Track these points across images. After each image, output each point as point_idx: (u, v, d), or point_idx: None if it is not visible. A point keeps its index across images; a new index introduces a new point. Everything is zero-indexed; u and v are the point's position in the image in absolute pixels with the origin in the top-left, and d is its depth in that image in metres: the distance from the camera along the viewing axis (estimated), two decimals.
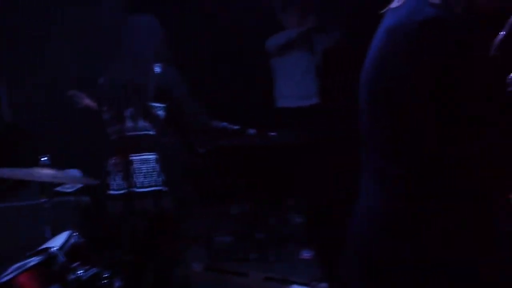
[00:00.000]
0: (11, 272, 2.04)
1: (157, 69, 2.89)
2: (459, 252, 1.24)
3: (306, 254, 4.25)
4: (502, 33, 1.25)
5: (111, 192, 2.89)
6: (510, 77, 1.20)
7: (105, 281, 2.16)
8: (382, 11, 1.39)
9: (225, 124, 4.10)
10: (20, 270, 2.02)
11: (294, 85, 4.59)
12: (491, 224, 1.26)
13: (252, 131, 4.30)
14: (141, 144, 2.85)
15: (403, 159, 1.28)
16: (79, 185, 3.94)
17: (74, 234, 2.33)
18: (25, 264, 2.06)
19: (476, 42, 1.19)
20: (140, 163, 2.84)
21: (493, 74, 1.20)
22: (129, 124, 2.87)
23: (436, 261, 1.25)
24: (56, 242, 2.23)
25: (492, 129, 1.20)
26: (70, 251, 2.18)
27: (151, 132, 2.87)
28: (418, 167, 1.25)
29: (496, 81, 1.19)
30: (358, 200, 1.42)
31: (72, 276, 2.08)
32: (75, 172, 3.89)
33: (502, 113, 1.20)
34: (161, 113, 2.88)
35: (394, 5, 1.34)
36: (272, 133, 4.38)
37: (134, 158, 2.84)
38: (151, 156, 2.85)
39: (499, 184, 1.26)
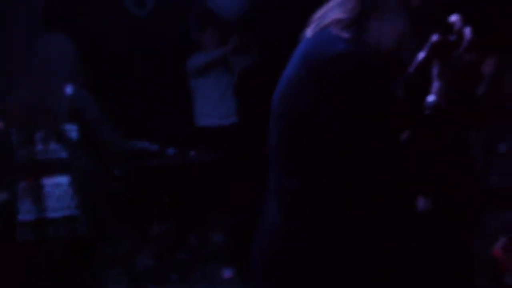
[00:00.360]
0: None
1: (69, 90, 2.82)
2: (350, 262, 1.35)
3: (227, 273, 4.26)
4: (421, 55, 1.39)
5: (21, 217, 2.77)
6: (428, 100, 1.33)
7: None
8: (299, 39, 1.49)
9: (143, 144, 4.07)
10: None
11: (214, 104, 4.66)
12: (382, 233, 1.40)
13: (171, 151, 4.30)
14: (53, 167, 2.76)
15: (304, 177, 1.37)
16: None
17: None
18: None
19: (382, 76, 1.30)
20: (52, 187, 2.75)
21: (392, 105, 1.33)
22: (39, 147, 2.78)
23: (330, 275, 1.36)
24: None
25: (387, 150, 1.32)
26: None
27: (63, 155, 2.79)
28: (317, 184, 1.35)
29: (392, 108, 1.32)
30: (263, 216, 1.50)
31: None
32: None
33: (395, 137, 1.32)
34: (74, 135, 2.81)
35: (308, 34, 1.43)
36: (192, 152, 4.40)
37: (46, 182, 2.75)
38: (64, 180, 2.76)
39: (388, 196, 1.38)
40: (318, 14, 1.44)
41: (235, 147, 4.51)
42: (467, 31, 1.32)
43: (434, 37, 1.34)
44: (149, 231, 4.92)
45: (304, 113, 1.34)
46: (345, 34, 1.34)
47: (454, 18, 1.33)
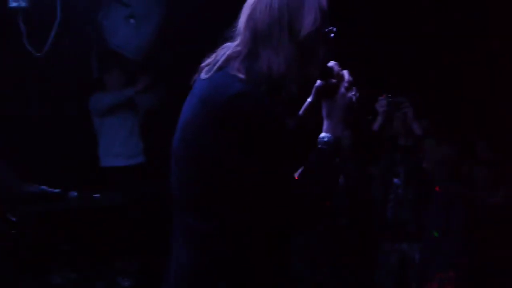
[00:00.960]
0: None
1: None
2: None
3: None
4: (308, 99, 1.55)
5: None
6: (320, 137, 1.47)
7: None
8: (192, 81, 1.52)
9: (43, 187, 3.87)
10: None
11: (120, 144, 4.56)
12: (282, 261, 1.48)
13: (73, 194, 4.12)
14: None
15: (208, 216, 1.39)
16: None
17: None
18: None
19: (275, 114, 1.37)
20: None
21: (288, 141, 1.41)
22: None
23: None
24: None
25: (285, 184, 1.39)
26: None
27: None
28: (221, 223, 1.38)
29: (289, 145, 1.41)
30: (170, 258, 1.49)
31: None
32: None
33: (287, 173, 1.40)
34: None
35: (203, 76, 1.46)
36: (96, 195, 4.25)
37: None
38: None
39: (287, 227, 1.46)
40: (210, 58, 1.49)
41: (143, 189, 4.42)
42: (346, 74, 1.51)
43: (318, 82, 1.52)
44: (52, 280, 4.64)
45: (207, 155, 1.37)
46: (241, 75, 1.39)
47: (331, 63, 1.51)
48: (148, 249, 4.28)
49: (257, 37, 1.43)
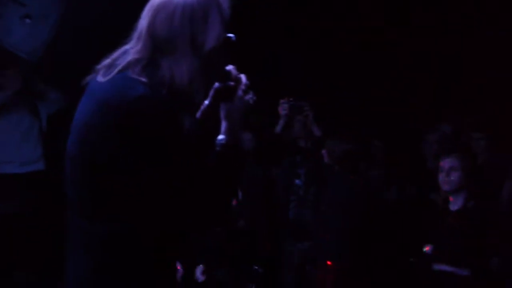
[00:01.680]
0: None
1: None
2: None
3: None
4: (206, 101, 1.55)
5: None
6: (218, 139, 1.47)
7: None
8: (85, 82, 1.49)
9: None
10: None
11: (13, 150, 4.30)
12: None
13: None
14: None
15: (106, 219, 1.39)
16: None
17: None
18: None
19: (175, 119, 1.39)
20: None
21: (188, 146, 1.42)
22: None
23: None
24: None
25: (183, 186, 1.39)
26: None
27: None
28: (119, 226, 1.38)
29: (189, 150, 1.42)
30: (68, 263, 1.47)
31: None
32: None
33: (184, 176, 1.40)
34: None
35: (100, 79, 1.43)
36: None
37: None
38: None
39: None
40: (108, 60, 1.47)
41: (40, 197, 4.21)
42: (243, 77, 1.55)
43: (216, 85, 1.53)
44: None
45: (104, 157, 1.35)
46: (142, 78, 1.38)
47: (229, 67, 1.54)
48: (48, 259, 4.09)
49: (158, 46, 1.43)
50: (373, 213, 3.74)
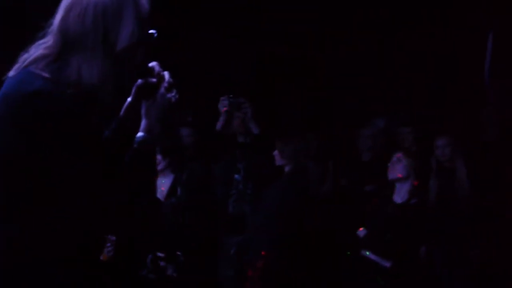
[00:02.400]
0: None
1: None
2: None
3: None
4: (129, 99, 1.51)
5: None
6: (137, 136, 1.45)
7: None
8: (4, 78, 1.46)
9: None
10: None
11: None
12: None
13: None
14: None
15: (10, 218, 1.36)
16: None
17: None
18: None
19: (78, 116, 1.34)
20: None
21: (90, 141, 1.37)
22: None
23: None
24: None
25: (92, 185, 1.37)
26: None
27: None
28: (23, 225, 1.35)
29: (91, 145, 1.38)
30: None
31: None
32: None
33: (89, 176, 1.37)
34: None
35: (11, 73, 1.42)
36: None
37: None
38: None
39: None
40: (24, 54, 1.44)
41: None
42: (166, 74, 1.51)
43: (139, 81, 1.49)
44: None
45: (2, 153, 1.34)
46: (45, 73, 1.36)
47: (152, 63, 1.50)
48: None
49: (68, 43, 1.39)
50: (308, 207, 3.85)
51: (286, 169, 3.90)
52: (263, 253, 3.68)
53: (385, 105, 5.43)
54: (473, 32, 4.98)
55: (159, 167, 3.71)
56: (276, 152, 3.89)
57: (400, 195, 3.48)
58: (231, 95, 4.06)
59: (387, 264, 3.34)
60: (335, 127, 5.25)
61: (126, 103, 1.55)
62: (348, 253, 3.88)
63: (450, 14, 5.09)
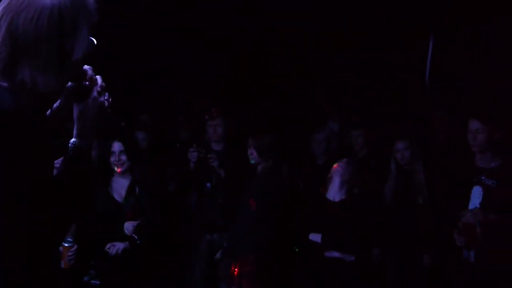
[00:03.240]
0: None
1: None
2: None
3: None
4: (58, 101, 1.49)
5: None
6: (70, 142, 1.42)
7: None
8: None
9: None
10: None
11: None
12: None
13: None
14: None
15: None
16: None
17: None
18: None
19: (33, 124, 1.30)
20: None
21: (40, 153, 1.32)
22: None
23: None
24: None
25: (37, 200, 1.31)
26: None
27: None
28: None
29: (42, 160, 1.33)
30: None
31: None
32: None
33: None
34: None
35: None
36: None
37: None
38: None
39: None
40: None
41: None
42: (99, 79, 1.49)
43: (69, 84, 1.44)
44: None
45: None
46: (3, 83, 1.31)
47: (85, 67, 1.46)
48: None
49: (19, 47, 1.32)
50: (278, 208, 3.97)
51: (260, 168, 3.97)
52: (239, 258, 3.77)
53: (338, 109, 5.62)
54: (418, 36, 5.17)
55: (123, 168, 3.73)
56: (251, 150, 3.94)
57: (336, 193, 3.64)
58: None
59: (351, 258, 3.52)
60: (292, 131, 5.34)
61: (55, 105, 1.52)
62: (296, 249, 4.04)
63: (393, 19, 5.22)
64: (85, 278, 3.59)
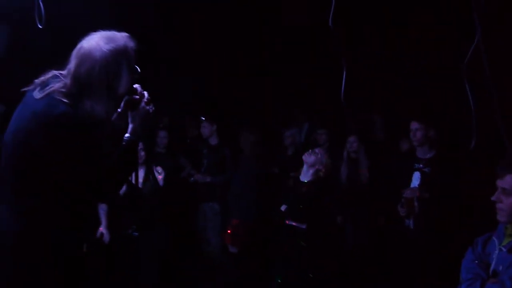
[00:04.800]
0: None
1: None
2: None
3: None
4: (119, 109, 2.00)
5: None
6: (125, 136, 1.95)
7: None
8: (23, 92, 1.93)
9: None
10: None
11: None
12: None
13: None
14: None
15: (34, 194, 1.82)
16: None
17: None
18: None
19: (90, 130, 1.80)
20: None
21: (99, 147, 1.85)
22: None
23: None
24: None
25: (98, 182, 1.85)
26: None
27: None
28: (44, 200, 1.81)
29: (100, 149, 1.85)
30: None
31: None
32: None
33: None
34: None
35: (37, 95, 1.84)
36: None
37: None
38: None
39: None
40: (41, 78, 1.89)
41: None
42: (146, 93, 2.03)
43: (126, 97, 1.97)
44: None
45: (35, 151, 1.76)
46: (65, 100, 1.80)
47: (136, 85, 2.00)
48: None
49: (81, 86, 1.82)
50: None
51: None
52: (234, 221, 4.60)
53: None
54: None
55: (140, 161, 4.56)
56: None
57: (306, 176, 4.28)
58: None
59: (303, 226, 4.11)
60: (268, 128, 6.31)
61: (117, 112, 2.03)
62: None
63: None
64: (129, 231, 4.41)
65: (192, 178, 5.47)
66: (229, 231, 4.75)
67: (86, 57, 1.84)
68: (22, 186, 1.81)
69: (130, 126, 1.98)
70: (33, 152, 1.78)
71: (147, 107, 2.00)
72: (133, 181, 4.48)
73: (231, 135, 5.51)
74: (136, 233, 4.45)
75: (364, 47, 5.64)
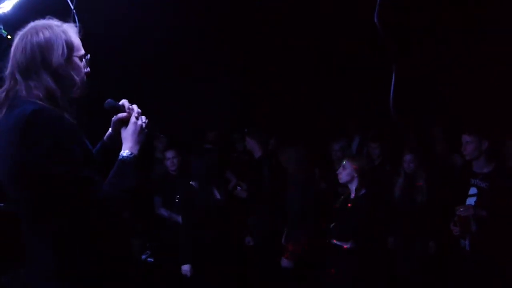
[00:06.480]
0: None
1: None
2: None
3: None
4: (109, 131, 2.03)
5: None
6: (120, 154, 1.90)
7: None
8: None
9: None
10: None
11: None
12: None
13: None
14: None
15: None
16: None
17: None
18: None
19: (63, 127, 1.69)
20: None
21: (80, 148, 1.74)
22: None
23: None
24: None
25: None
26: None
27: None
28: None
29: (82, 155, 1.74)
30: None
31: None
32: None
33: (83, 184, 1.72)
34: None
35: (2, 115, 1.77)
36: None
37: None
38: None
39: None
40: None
41: None
42: (135, 107, 2.00)
43: (113, 118, 1.99)
44: None
45: (16, 163, 1.67)
46: (32, 98, 1.73)
47: (123, 101, 1.98)
48: None
49: (20, 73, 1.77)
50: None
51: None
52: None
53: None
54: None
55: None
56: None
57: (351, 192, 4.13)
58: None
59: (348, 246, 3.97)
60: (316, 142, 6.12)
61: (107, 134, 2.06)
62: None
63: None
64: (143, 257, 4.30)
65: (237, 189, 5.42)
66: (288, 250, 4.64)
67: (19, 43, 1.82)
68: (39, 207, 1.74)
69: (124, 144, 1.94)
70: (13, 164, 1.69)
71: (139, 122, 1.96)
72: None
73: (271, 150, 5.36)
74: (151, 259, 4.32)
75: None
